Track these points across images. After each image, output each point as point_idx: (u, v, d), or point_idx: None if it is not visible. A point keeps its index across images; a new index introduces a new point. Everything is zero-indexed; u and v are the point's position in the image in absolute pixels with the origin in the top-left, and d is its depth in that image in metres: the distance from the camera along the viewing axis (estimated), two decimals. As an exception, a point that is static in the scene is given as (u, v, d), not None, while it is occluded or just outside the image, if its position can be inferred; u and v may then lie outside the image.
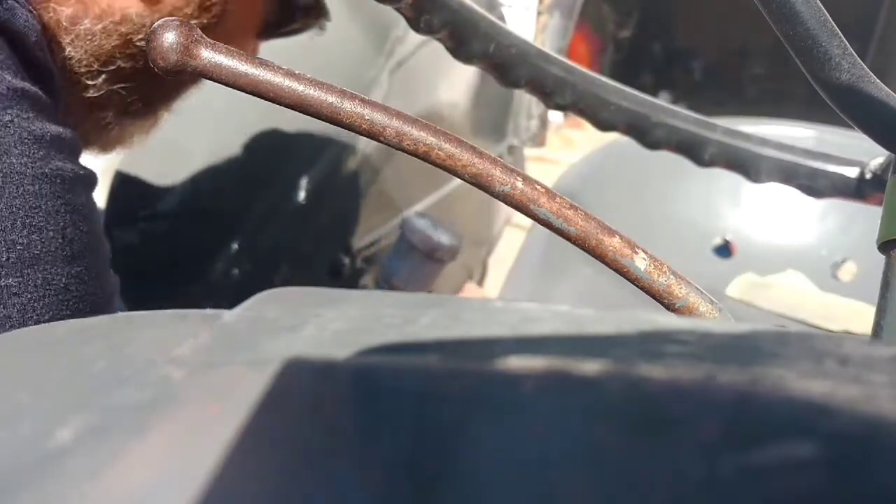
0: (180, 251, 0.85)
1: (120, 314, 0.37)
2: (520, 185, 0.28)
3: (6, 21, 0.41)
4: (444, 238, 0.75)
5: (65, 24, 0.47)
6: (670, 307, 0.28)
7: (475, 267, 1.38)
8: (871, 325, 0.34)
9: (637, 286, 0.28)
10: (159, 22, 0.27)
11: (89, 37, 0.48)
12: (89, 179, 0.45)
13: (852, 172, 0.49)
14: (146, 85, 0.53)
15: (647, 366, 0.14)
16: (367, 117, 0.27)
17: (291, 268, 0.88)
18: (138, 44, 0.50)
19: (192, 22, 0.51)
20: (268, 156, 0.88)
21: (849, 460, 0.11)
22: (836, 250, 0.94)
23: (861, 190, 0.49)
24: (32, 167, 0.40)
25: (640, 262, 0.28)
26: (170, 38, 0.27)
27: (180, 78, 0.46)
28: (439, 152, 0.27)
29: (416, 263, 0.77)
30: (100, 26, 0.49)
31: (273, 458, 0.12)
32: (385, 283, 0.80)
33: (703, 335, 0.17)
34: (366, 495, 0.12)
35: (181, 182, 0.86)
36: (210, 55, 0.27)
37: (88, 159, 0.49)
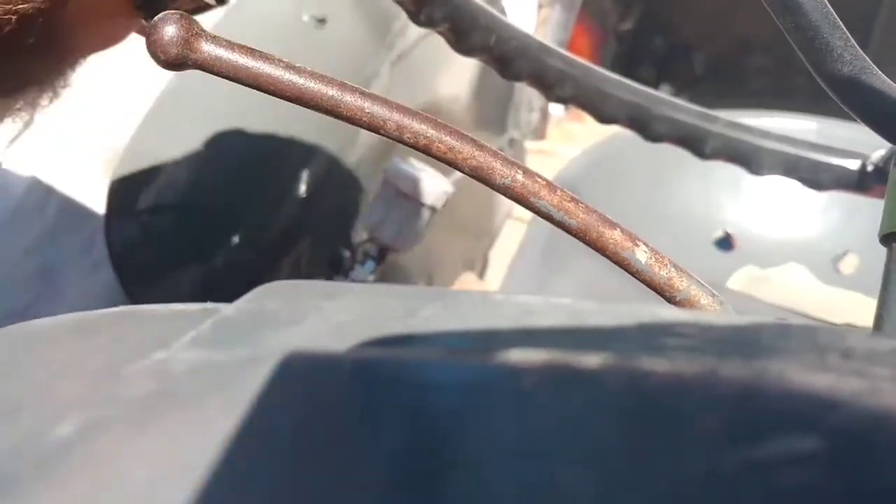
0: (181, 244, 0.85)
1: (121, 308, 0.37)
2: (520, 177, 0.27)
3: None
4: (433, 180, 0.67)
5: None
6: (671, 300, 0.28)
7: (476, 260, 1.38)
8: (872, 318, 0.34)
9: (638, 279, 0.28)
10: (159, 15, 0.27)
11: None
12: None
13: (854, 165, 0.49)
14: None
15: (648, 359, 0.14)
16: (367, 110, 0.27)
17: (292, 261, 0.88)
18: None
19: None
20: (269, 149, 0.88)
21: (852, 454, 0.11)
22: (837, 243, 0.94)
23: (863, 182, 0.49)
24: None
25: (641, 255, 0.28)
26: (170, 31, 0.27)
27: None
28: (440, 145, 0.27)
29: (406, 213, 0.68)
30: None
31: (273, 452, 0.12)
32: (373, 241, 0.71)
33: (705, 328, 0.17)
34: (367, 488, 0.12)
35: (182, 175, 0.85)
36: (210, 48, 0.27)
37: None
